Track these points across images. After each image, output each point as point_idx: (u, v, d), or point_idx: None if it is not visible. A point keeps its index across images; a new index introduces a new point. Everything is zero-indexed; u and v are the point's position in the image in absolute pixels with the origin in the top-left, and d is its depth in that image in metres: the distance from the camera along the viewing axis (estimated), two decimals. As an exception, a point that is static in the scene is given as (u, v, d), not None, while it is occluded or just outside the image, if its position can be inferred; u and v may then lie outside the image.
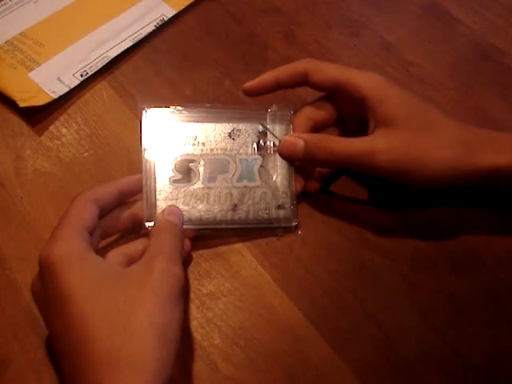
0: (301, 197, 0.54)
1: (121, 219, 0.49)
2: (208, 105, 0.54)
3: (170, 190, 0.50)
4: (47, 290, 0.41)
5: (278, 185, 0.52)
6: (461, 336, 0.48)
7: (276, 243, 0.53)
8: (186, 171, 0.51)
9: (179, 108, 0.53)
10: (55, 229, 0.43)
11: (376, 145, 0.48)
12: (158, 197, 0.49)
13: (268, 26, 0.69)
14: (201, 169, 0.51)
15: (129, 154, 0.58)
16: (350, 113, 0.54)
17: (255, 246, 0.53)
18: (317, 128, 0.55)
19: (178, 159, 0.51)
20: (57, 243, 0.41)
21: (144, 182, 0.49)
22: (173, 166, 0.51)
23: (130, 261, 0.47)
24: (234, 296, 0.50)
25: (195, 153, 0.51)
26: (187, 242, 0.50)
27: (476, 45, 0.67)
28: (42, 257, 0.41)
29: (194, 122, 0.52)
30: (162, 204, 0.49)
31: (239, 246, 0.53)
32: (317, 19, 0.70)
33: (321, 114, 0.55)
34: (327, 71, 0.52)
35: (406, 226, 0.54)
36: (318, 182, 0.55)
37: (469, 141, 0.49)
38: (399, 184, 0.51)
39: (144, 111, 0.52)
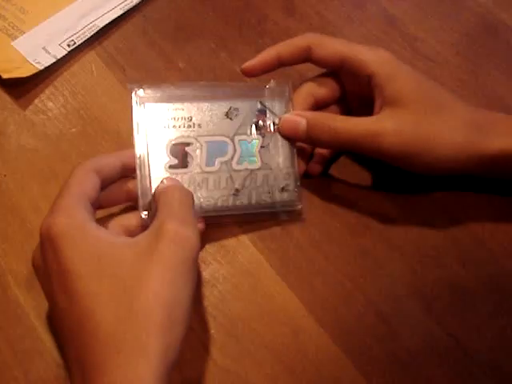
0: (302, 182, 0.51)
1: (116, 193, 0.46)
2: (202, 82, 0.51)
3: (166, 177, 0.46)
4: (49, 265, 0.38)
5: (281, 166, 0.49)
6: (465, 327, 0.47)
7: (274, 228, 0.50)
8: (182, 156, 0.47)
9: (172, 86, 0.49)
10: (56, 199, 0.41)
11: (383, 126, 0.46)
12: (153, 184, 0.46)
13: (266, -5, 0.65)
14: (198, 152, 0.48)
15: (119, 130, 0.55)
16: (354, 90, 0.52)
17: (253, 231, 0.50)
18: (318, 105, 0.52)
19: (173, 143, 0.47)
20: (58, 215, 0.39)
21: (137, 169, 0.46)
22: (168, 151, 0.47)
23: (129, 233, 0.44)
24: (231, 284, 0.48)
25: (191, 135, 0.48)
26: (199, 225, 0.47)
27: (483, 20, 0.65)
28: (43, 229, 0.39)
29: (189, 101, 0.49)
30: None
31: (235, 229, 0.50)
32: (318, -11, 0.66)
33: (322, 90, 0.52)
34: (332, 46, 0.49)
35: (410, 212, 0.52)
36: (320, 164, 0.53)
37: (478, 124, 0.47)
38: (404, 168, 0.49)
39: (134, 92, 0.48)
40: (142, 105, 0.48)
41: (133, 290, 0.36)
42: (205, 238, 0.49)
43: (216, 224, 0.49)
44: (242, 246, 0.49)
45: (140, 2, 0.63)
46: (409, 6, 0.65)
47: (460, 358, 0.45)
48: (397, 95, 0.47)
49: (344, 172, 0.54)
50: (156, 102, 0.48)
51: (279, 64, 0.50)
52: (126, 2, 0.62)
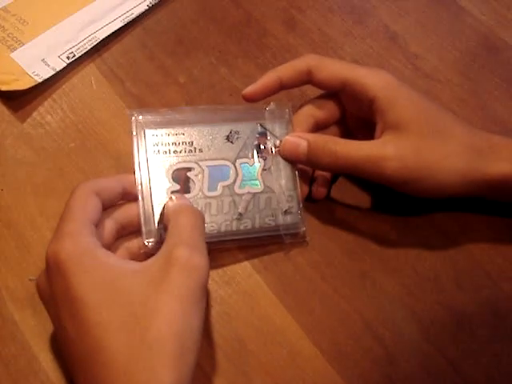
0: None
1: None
2: (202, 106, 0.51)
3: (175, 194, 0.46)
4: (57, 291, 0.38)
5: (283, 188, 0.49)
6: (462, 352, 0.47)
7: (273, 248, 0.50)
8: (184, 181, 0.47)
9: (171, 111, 0.49)
10: (60, 223, 0.40)
11: (385, 151, 0.46)
12: (156, 210, 0.45)
13: (267, 10, 0.65)
14: (199, 177, 0.47)
15: (118, 146, 0.54)
16: (355, 112, 0.51)
17: (251, 251, 0.50)
18: (318, 127, 0.52)
19: (175, 168, 0.47)
20: (66, 240, 0.38)
21: (140, 195, 0.45)
22: (169, 177, 0.47)
23: (132, 256, 0.44)
24: (228, 304, 0.48)
25: (192, 160, 0.47)
26: None
27: (484, 38, 0.64)
28: (50, 255, 0.38)
29: (189, 125, 0.48)
30: (162, 219, 0.45)
31: (234, 249, 0.50)
32: (319, 4, 0.66)
33: (323, 111, 0.51)
34: (333, 69, 0.49)
35: (408, 233, 0.51)
36: (325, 187, 0.52)
37: (479, 148, 0.47)
38: (406, 193, 0.48)
39: (133, 118, 0.47)
40: (142, 131, 0.47)
41: (145, 320, 0.35)
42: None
43: (219, 249, 0.48)
44: (240, 266, 0.49)
45: (140, 15, 0.62)
46: (410, 23, 0.65)
47: (456, 383, 0.45)
48: (398, 120, 0.46)
49: (343, 192, 0.53)
50: (156, 127, 0.47)
51: (280, 88, 0.50)
52: (126, 14, 0.61)
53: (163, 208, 0.44)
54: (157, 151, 0.47)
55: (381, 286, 0.49)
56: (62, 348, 0.41)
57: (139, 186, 0.45)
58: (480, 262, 0.50)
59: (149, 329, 0.35)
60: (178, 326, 0.36)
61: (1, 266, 0.48)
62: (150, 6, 0.63)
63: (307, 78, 0.50)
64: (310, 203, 0.52)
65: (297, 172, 0.50)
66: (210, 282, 0.48)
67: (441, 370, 0.46)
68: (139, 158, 0.46)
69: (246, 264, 0.49)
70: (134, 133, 0.47)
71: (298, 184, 0.50)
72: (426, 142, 0.46)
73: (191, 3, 0.65)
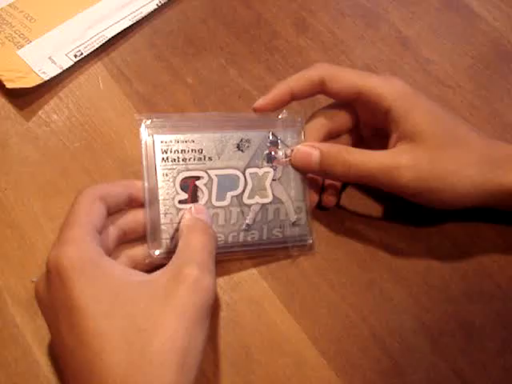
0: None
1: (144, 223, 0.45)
2: (212, 112, 0.50)
3: (175, 212, 0.45)
4: (56, 299, 0.37)
5: (292, 199, 0.48)
6: (471, 364, 0.46)
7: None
8: (192, 190, 0.46)
9: (182, 117, 0.48)
10: (63, 229, 0.39)
11: (399, 161, 0.45)
12: (163, 220, 0.44)
13: (278, 12, 0.64)
14: (208, 186, 0.46)
15: (124, 147, 0.53)
16: (369, 121, 0.50)
17: (258, 257, 0.49)
18: (330, 135, 0.51)
19: (183, 176, 0.46)
20: (69, 247, 0.37)
21: (146, 204, 0.44)
22: (178, 185, 0.45)
23: (134, 265, 0.44)
24: (234, 311, 0.47)
25: (201, 168, 0.46)
26: None
27: (497, 44, 0.63)
28: (52, 261, 0.37)
29: (199, 133, 0.47)
30: (168, 228, 0.44)
31: (245, 261, 0.49)
32: (330, 6, 0.65)
33: (336, 120, 0.51)
34: (347, 79, 0.48)
35: (417, 242, 0.51)
36: (335, 195, 0.51)
37: (494, 158, 0.46)
38: (420, 203, 0.47)
39: (142, 123, 0.46)
40: (151, 136, 0.46)
41: (147, 334, 0.35)
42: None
43: (226, 259, 0.48)
44: (247, 273, 0.48)
45: (149, 14, 0.61)
46: (422, 28, 0.64)
47: (465, 396, 0.44)
48: (413, 130, 0.45)
49: (351, 202, 0.53)
50: (165, 133, 0.46)
51: (292, 99, 0.49)
52: (135, 13, 0.61)
53: (180, 224, 0.43)
54: (165, 158, 0.45)
55: (389, 296, 0.48)
56: (58, 356, 0.40)
57: (146, 194, 0.45)
58: (490, 273, 0.49)
59: (151, 343, 0.34)
60: (181, 343, 0.35)
61: (3, 267, 0.47)
62: (159, 5, 0.62)
63: (320, 89, 0.48)
64: (318, 211, 0.51)
65: (307, 183, 0.49)
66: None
67: (449, 382, 0.45)
68: (147, 165, 0.45)
69: (253, 270, 0.48)
70: (143, 139, 0.46)
71: (308, 196, 0.49)
72: (441, 153, 0.45)
73: (201, 3, 0.64)
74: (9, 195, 0.50)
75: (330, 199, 0.51)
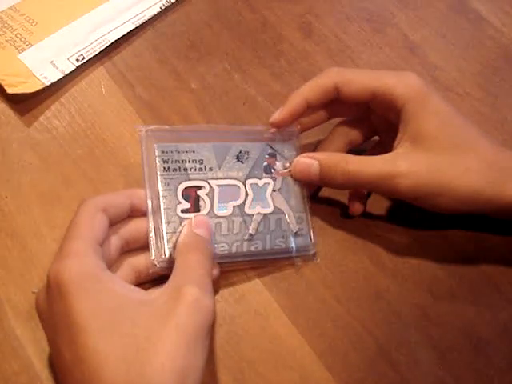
0: (314, 218, 0.50)
1: (146, 232, 0.44)
2: (212, 124, 0.50)
3: (178, 221, 0.44)
4: (56, 313, 0.36)
5: (293, 210, 0.48)
6: (478, 379, 0.45)
7: (283, 265, 0.48)
8: (194, 199, 0.45)
9: (182, 129, 0.48)
10: (64, 242, 0.38)
11: (397, 167, 0.44)
12: (166, 229, 0.44)
13: (283, 16, 0.63)
14: (210, 196, 0.46)
15: (127, 154, 0.52)
16: (385, 126, 0.50)
17: (262, 268, 0.48)
18: (351, 145, 0.51)
19: (185, 186, 0.45)
20: (70, 260, 0.37)
21: (149, 214, 0.44)
22: (180, 194, 0.45)
23: (138, 274, 0.43)
24: (238, 324, 0.46)
25: (203, 178, 0.46)
26: (214, 271, 0.45)
27: (505, 50, 0.63)
28: (52, 274, 0.36)
29: (199, 143, 0.47)
30: (171, 237, 0.43)
31: (249, 272, 0.48)
32: (336, 11, 0.64)
33: (356, 131, 0.51)
34: (360, 82, 0.47)
35: (424, 253, 0.50)
36: (361, 203, 0.51)
37: (501, 166, 0.45)
38: (421, 207, 0.46)
39: (144, 133, 0.46)
40: (152, 147, 0.45)
41: (146, 353, 0.34)
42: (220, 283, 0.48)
43: (230, 270, 0.47)
44: (251, 284, 0.47)
45: (152, 17, 0.60)
46: (430, 33, 0.63)
47: (472, 412, 0.44)
48: (417, 132, 0.45)
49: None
50: (166, 142, 0.46)
51: (307, 109, 0.48)
52: (138, 17, 0.60)
53: (178, 242, 0.42)
54: (167, 168, 0.45)
55: (395, 309, 0.47)
56: (57, 370, 0.40)
57: (149, 203, 0.44)
58: (498, 285, 0.49)
59: (150, 362, 0.34)
60: (180, 363, 0.34)
61: (3, 278, 0.46)
62: (163, 8, 0.61)
63: (334, 95, 0.48)
64: (322, 223, 0.51)
65: (306, 194, 0.49)
66: (219, 300, 0.46)
67: (456, 398, 0.44)
68: (149, 175, 0.45)
69: (257, 282, 0.48)
70: (144, 148, 0.45)
71: (308, 206, 0.49)
72: (442, 157, 0.44)
73: (205, 6, 0.63)
74: (9, 203, 0.49)
75: (357, 207, 0.51)
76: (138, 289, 0.39)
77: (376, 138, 0.53)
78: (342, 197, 0.52)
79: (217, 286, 0.47)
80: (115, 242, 0.42)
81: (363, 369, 0.45)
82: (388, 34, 0.63)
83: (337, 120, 0.52)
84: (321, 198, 0.52)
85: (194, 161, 0.46)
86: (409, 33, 0.63)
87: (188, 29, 0.61)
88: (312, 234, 0.48)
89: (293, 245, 0.47)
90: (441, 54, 0.62)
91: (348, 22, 0.63)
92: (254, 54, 0.60)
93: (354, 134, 0.51)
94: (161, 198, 0.44)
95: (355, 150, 0.51)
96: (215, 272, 0.45)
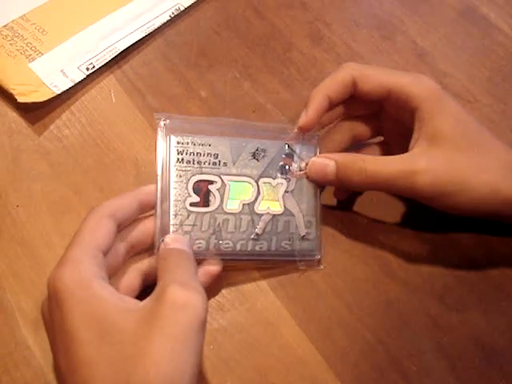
0: (324, 225, 0.50)
1: (151, 233, 0.44)
2: (231, 119, 0.49)
3: (186, 214, 0.44)
4: (54, 321, 0.36)
5: (303, 213, 0.48)
6: (491, 389, 0.45)
7: (295, 274, 0.48)
8: (204, 193, 0.45)
9: (200, 120, 0.47)
10: (66, 249, 0.39)
11: (416, 164, 0.44)
12: (173, 221, 0.44)
13: (292, 23, 0.63)
14: (221, 192, 0.46)
15: (137, 162, 0.53)
16: (394, 128, 0.50)
17: (273, 277, 0.48)
18: (355, 140, 0.51)
19: (197, 180, 0.45)
20: (65, 268, 0.37)
21: (158, 203, 0.44)
22: (190, 187, 0.45)
23: (144, 277, 0.43)
24: (248, 333, 0.46)
25: (216, 173, 0.46)
26: (215, 267, 0.45)
27: (515, 57, 0.63)
28: (50, 282, 0.37)
29: (216, 137, 0.46)
30: (177, 229, 0.43)
31: (255, 275, 0.48)
32: (345, 18, 0.64)
33: (361, 127, 0.51)
34: (377, 78, 0.47)
35: (435, 261, 0.50)
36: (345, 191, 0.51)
37: None
38: (438, 208, 0.46)
39: (161, 122, 0.45)
40: (168, 136, 0.45)
41: (132, 361, 0.33)
42: (222, 281, 0.47)
43: (232, 267, 0.47)
44: (262, 293, 0.47)
45: (162, 25, 0.61)
46: (439, 40, 0.63)
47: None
48: (434, 132, 0.45)
49: (367, 220, 0.52)
50: (182, 134, 0.46)
51: (330, 106, 0.48)
52: (147, 25, 0.60)
53: (157, 255, 0.42)
54: (180, 159, 0.45)
55: (406, 317, 0.47)
56: (56, 378, 0.40)
57: (159, 194, 0.44)
58: (511, 294, 0.49)
59: (136, 370, 0.33)
60: (166, 368, 0.33)
61: (14, 287, 0.46)
62: (172, 16, 0.61)
63: (352, 90, 0.48)
64: (333, 231, 0.51)
65: (319, 198, 0.49)
66: (230, 309, 0.46)
67: (468, 408, 0.44)
68: (162, 165, 0.45)
69: (268, 291, 0.47)
70: (159, 138, 0.45)
71: (319, 210, 0.49)
72: (459, 156, 0.44)
73: (214, 14, 0.63)
74: (20, 212, 0.49)
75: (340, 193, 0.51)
76: (128, 298, 0.38)
77: (379, 138, 0.53)
78: (352, 205, 0.52)
79: (227, 294, 0.47)
80: (120, 246, 0.43)
81: (374, 378, 0.45)
82: (397, 40, 0.63)
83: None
84: (330, 206, 0.52)
85: (209, 154, 0.46)
86: (418, 39, 0.63)
87: (197, 37, 0.61)
88: (319, 239, 0.48)
89: (298, 248, 0.47)
90: (450, 61, 0.62)
91: (357, 29, 0.63)
92: (264, 62, 0.60)
93: (360, 130, 0.51)
94: (171, 189, 0.44)
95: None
96: (216, 268, 0.45)
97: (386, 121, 0.51)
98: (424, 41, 0.63)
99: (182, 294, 0.36)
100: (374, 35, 0.63)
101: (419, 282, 0.49)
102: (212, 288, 0.46)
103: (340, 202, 0.52)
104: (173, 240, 0.43)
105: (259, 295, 0.47)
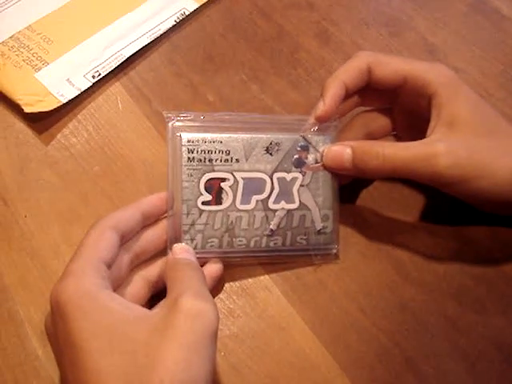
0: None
1: (154, 241, 0.44)
2: (242, 113, 0.48)
3: (198, 214, 0.44)
4: (59, 334, 0.36)
5: (320, 207, 0.47)
6: (511, 390, 0.43)
7: (307, 278, 0.47)
8: (216, 191, 0.45)
9: (210, 116, 0.46)
10: (69, 262, 0.39)
11: (436, 147, 0.42)
12: (185, 221, 0.43)
13: (299, 23, 0.62)
14: (233, 189, 0.45)
15: (145, 170, 0.52)
16: (407, 121, 0.49)
17: (284, 281, 0.47)
18: (369, 137, 0.50)
19: (209, 178, 0.44)
20: (67, 280, 0.36)
21: (169, 204, 0.44)
22: (202, 186, 0.44)
23: (151, 285, 0.43)
24: (260, 338, 0.45)
25: (228, 170, 0.45)
26: (217, 266, 0.45)
27: (528, 50, 0.61)
28: (53, 295, 0.36)
29: (228, 133, 0.45)
30: (189, 229, 0.43)
31: (266, 279, 0.47)
32: (353, 16, 0.63)
33: (375, 123, 0.50)
34: (393, 65, 0.46)
35: (450, 260, 0.48)
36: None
37: None
38: (458, 196, 0.45)
39: (170, 120, 0.45)
40: (178, 135, 0.44)
41: (146, 370, 0.33)
42: (233, 288, 0.47)
43: (242, 265, 0.47)
44: (273, 298, 0.47)
45: (167, 30, 0.60)
46: (449, 34, 0.62)
47: (505, 426, 0.42)
48: (452, 117, 0.44)
49: (381, 220, 0.51)
50: (192, 132, 0.45)
51: (347, 94, 0.47)
52: (153, 31, 0.60)
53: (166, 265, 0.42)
54: (191, 158, 0.44)
55: (422, 319, 0.46)
56: None
57: (170, 194, 0.44)
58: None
59: (149, 379, 0.33)
60: (181, 376, 0.33)
61: (24, 297, 0.46)
62: (178, 21, 0.61)
63: (367, 77, 0.47)
64: (345, 232, 0.50)
65: (337, 190, 0.48)
66: (241, 315, 0.46)
67: (488, 411, 0.43)
68: (173, 164, 0.44)
69: (280, 296, 0.47)
70: (169, 136, 0.45)
71: (337, 203, 0.48)
72: (479, 140, 0.43)
73: (220, 18, 0.63)
74: (29, 223, 0.49)
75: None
76: (137, 306, 0.38)
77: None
78: (364, 204, 0.51)
79: (238, 300, 0.46)
80: (124, 256, 0.42)
81: (390, 382, 0.44)
82: (407, 37, 0.62)
83: (356, 110, 0.51)
84: (342, 205, 0.51)
85: (221, 151, 0.45)
86: (428, 35, 0.62)
87: (203, 41, 0.61)
88: (337, 232, 0.47)
89: (313, 242, 0.46)
90: (462, 56, 0.60)
91: (365, 27, 0.62)
92: (271, 64, 0.59)
93: (374, 126, 0.50)
94: (182, 189, 0.44)
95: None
96: (217, 269, 0.45)
97: (399, 114, 0.50)
98: (434, 36, 0.62)
99: (195, 303, 0.36)
100: (383, 33, 0.62)
101: (435, 282, 0.47)
102: (214, 290, 0.46)
103: (343, 187, 0.50)
104: (181, 250, 0.43)
105: (271, 300, 0.47)
